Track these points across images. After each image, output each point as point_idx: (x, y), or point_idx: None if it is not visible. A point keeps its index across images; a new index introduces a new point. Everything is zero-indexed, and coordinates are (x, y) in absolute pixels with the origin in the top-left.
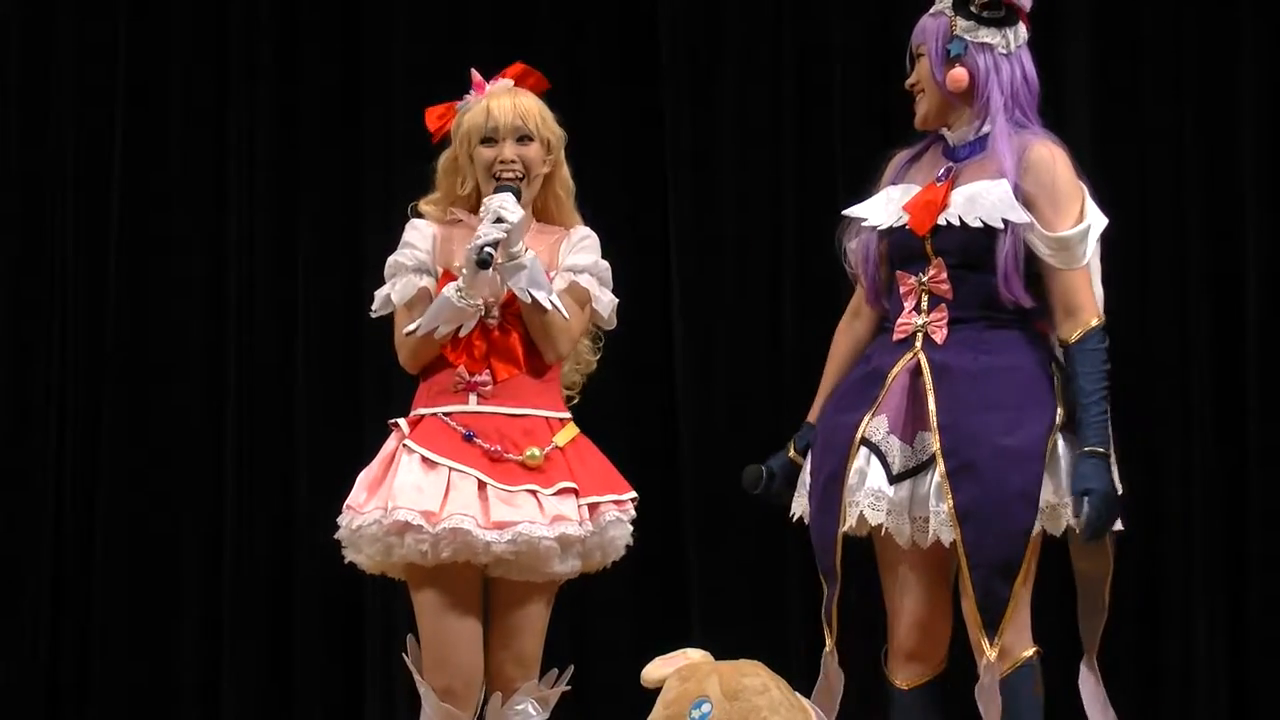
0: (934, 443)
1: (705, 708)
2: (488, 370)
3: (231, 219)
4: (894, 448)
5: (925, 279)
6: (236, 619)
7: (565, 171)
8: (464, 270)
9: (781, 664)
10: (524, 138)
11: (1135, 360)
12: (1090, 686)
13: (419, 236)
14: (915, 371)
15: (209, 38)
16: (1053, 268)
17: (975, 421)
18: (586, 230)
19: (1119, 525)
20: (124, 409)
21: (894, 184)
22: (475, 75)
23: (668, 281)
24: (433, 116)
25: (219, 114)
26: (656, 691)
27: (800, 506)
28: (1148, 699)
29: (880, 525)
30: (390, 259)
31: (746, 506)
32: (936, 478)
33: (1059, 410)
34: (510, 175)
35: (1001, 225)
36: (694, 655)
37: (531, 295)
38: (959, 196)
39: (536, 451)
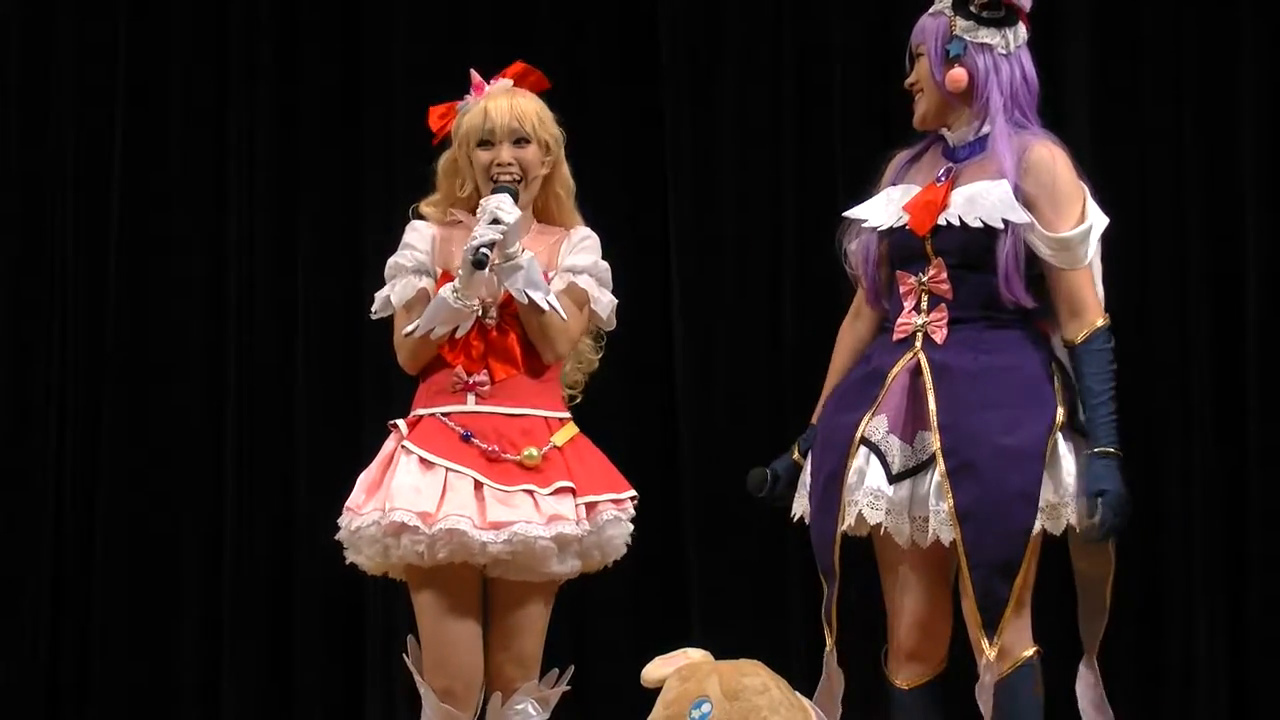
0: (934, 442)
1: (705, 708)
2: (485, 370)
3: (231, 219)
4: (894, 447)
5: (925, 279)
6: (236, 619)
7: (565, 171)
8: (460, 271)
9: (781, 664)
10: (521, 140)
11: (1135, 360)
12: (1088, 686)
13: (418, 238)
14: (915, 371)
15: (209, 38)
16: (1055, 268)
17: (975, 421)
18: (587, 231)
19: None
20: (124, 409)
21: (894, 184)
22: (475, 76)
23: (668, 281)
24: (435, 116)
25: (219, 114)
26: (656, 691)
27: (801, 507)
28: (1148, 699)
29: (879, 525)
30: (390, 260)
31: (747, 506)
32: (936, 477)
33: (1059, 410)
34: (508, 178)
35: (1001, 225)
36: (694, 655)
37: (528, 296)
38: (959, 197)
39: (534, 451)
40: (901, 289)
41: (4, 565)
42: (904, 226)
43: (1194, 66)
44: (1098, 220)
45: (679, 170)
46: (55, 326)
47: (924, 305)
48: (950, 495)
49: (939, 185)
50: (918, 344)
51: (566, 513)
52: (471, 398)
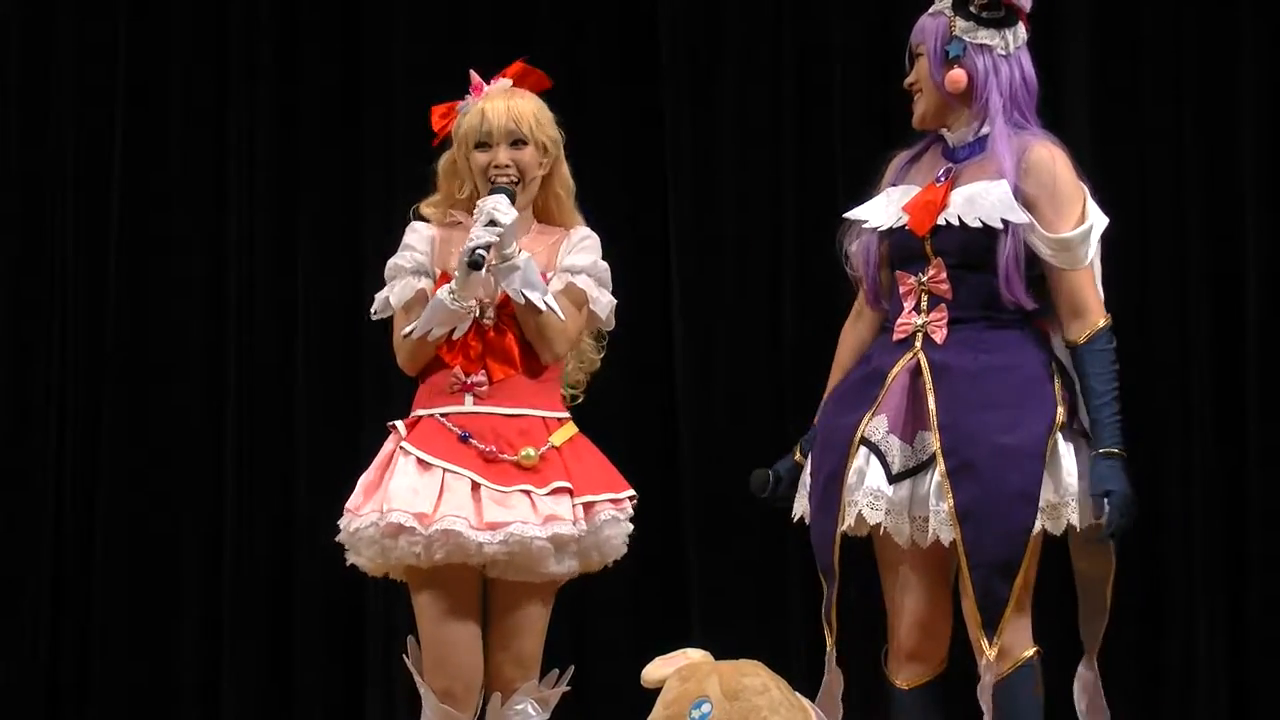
0: (934, 442)
1: (705, 708)
2: (483, 371)
3: (231, 219)
4: (894, 447)
5: (925, 279)
6: (236, 619)
7: (565, 171)
8: (456, 273)
9: (782, 664)
10: (518, 141)
11: (1135, 360)
12: (1087, 687)
13: (418, 239)
14: (915, 371)
15: (209, 38)
16: (1056, 269)
17: (974, 421)
18: (587, 231)
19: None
20: (124, 409)
21: (894, 185)
22: (474, 77)
23: (668, 281)
24: (436, 115)
25: (219, 114)
26: (656, 691)
27: (801, 507)
28: (1148, 699)
29: (879, 525)
30: (390, 262)
31: (747, 506)
32: (936, 477)
33: (1059, 409)
34: (505, 180)
35: (1001, 225)
36: (694, 655)
37: (525, 296)
38: (958, 197)
39: (531, 451)
40: (901, 289)
41: (4, 565)
42: (904, 227)
43: (1194, 66)
44: (1098, 220)
45: (679, 170)
46: (55, 326)
47: (924, 305)
48: (950, 495)
49: (938, 185)
50: (918, 344)
51: (563, 513)
52: (469, 398)
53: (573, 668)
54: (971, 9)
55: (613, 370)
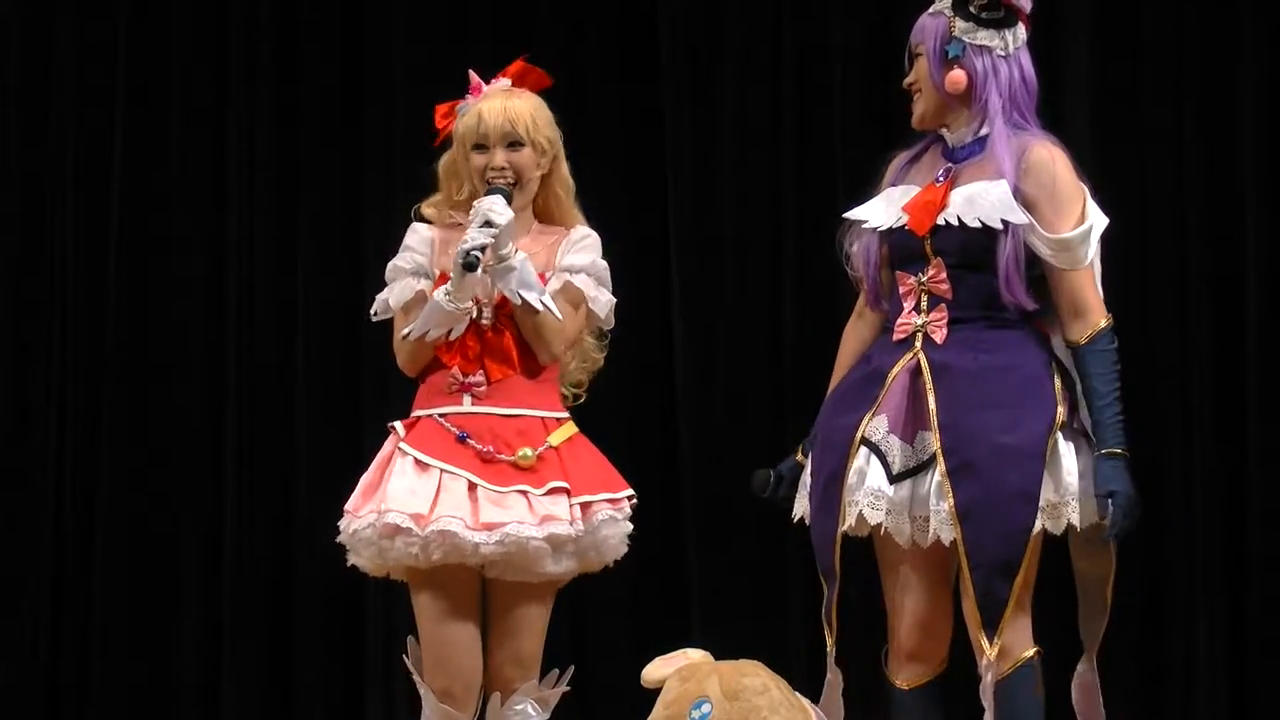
0: (934, 442)
1: (705, 708)
2: (481, 371)
3: (231, 219)
4: (894, 447)
5: (924, 279)
6: (236, 619)
7: (565, 171)
8: (452, 274)
9: (781, 664)
10: (515, 143)
11: (1135, 360)
12: (1085, 686)
13: (418, 240)
14: (915, 371)
15: (209, 38)
16: (1056, 269)
17: (974, 420)
18: (586, 230)
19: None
20: (124, 409)
21: (894, 185)
22: (473, 77)
23: (668, 281)
24: (439, 115)
25: (219, 114)
26: (656, 691)
27: (801, 507)
28: (1148, 699)
29: (879, 525)
30: (390, 263)
31: (747, 506)
32: (937, 477)
33: (1060, 409)
34: (502, 182)
35: (1000, 226)
36: (694, 655)
37: (521, 297)
38: (958, 197)
39: (529, 452)
40: (901, 289)
41: (4, 565)
42: (903, 227)
43: (1194, 66)
44: (1098, 220)
45: (679, 170)
46: (55, 326)
47: (924, 305)
48: (950, 495)
49: (938, 185)
50: (918, 344)
51: (560, 513)
52: (468, 398)
53: (573, 668)
54: (971, 9)
55: (613, 370)
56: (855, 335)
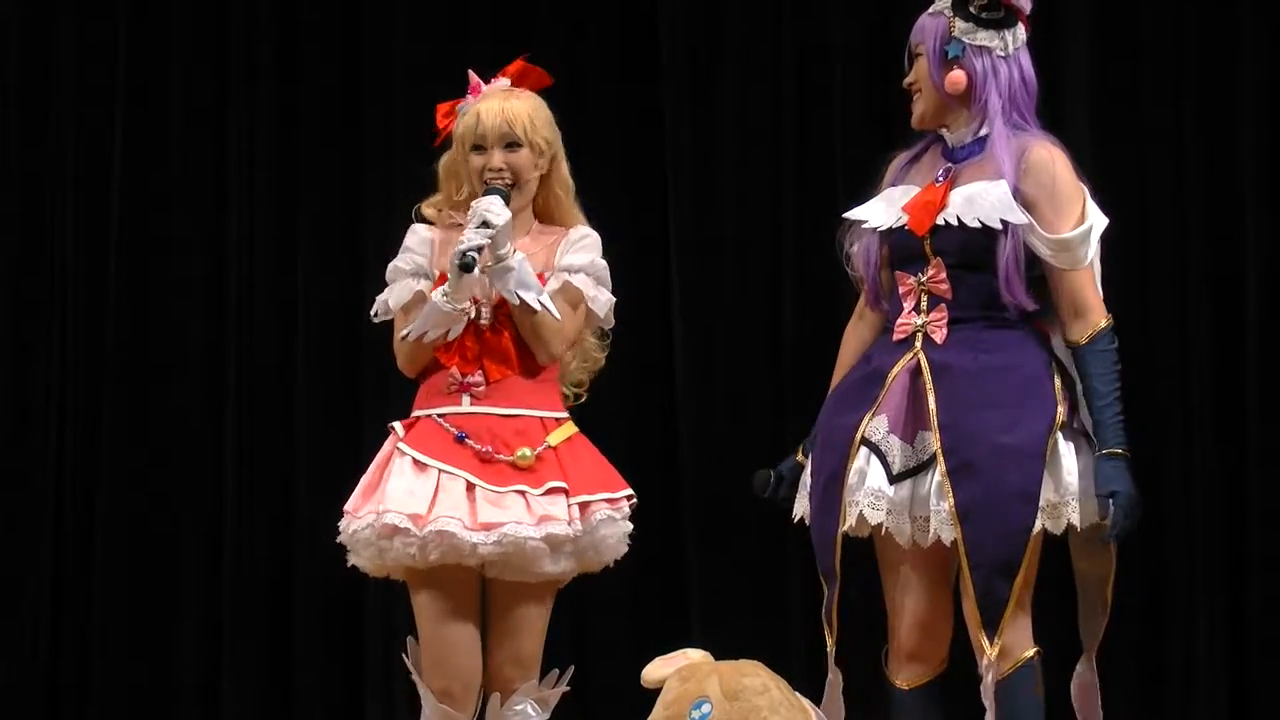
0: (934, 442)
1: (705, 708)
2: (480, 371)
3: (231, 219)
4: (894, 447)
5: (924, 279)
6: (236, 619)
7: (564, 170)
8: (449, 275)
9: (781, 664)
10: (512, 144)
11: (1136, 360)
12: (1084, 686)
13: (417, 241)
14: (915, 371)
15: (209, 38)
16: (1056, 269)
17: (974, 420)
18: (586, 230)
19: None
20: (124, 409)
21: (894, 185)
22: (472, 77)
23: (668, 281)
24: (440, 114)
25: (219, 114)
26: (656, 691)
27: (801, 508)
28: (1148, 699)
29: (880, 525)
30: (390, 265)
31: (747, 506)
32: (937, 477)
33: (1060, 409)
34: (500, 183)
35: (999, 226)
36: (694, 655)
37: (519, 297)
38: (957, 197)
39: (527, 452)
40: (901, 289)
41: (4, 565)
42: (903, 227)
43: (1194, 67)
44: (1098, 220)
45: (679, 170)
46: (55, 326)
47: (923, 305)
48: (950, 494)
49: (938, 185)
50: (917, 344)
51: (558, 513)
52: (467, 399)
53: (572, 668)
54: (971, 9)
55: (613, 370)
56: (856, 336)
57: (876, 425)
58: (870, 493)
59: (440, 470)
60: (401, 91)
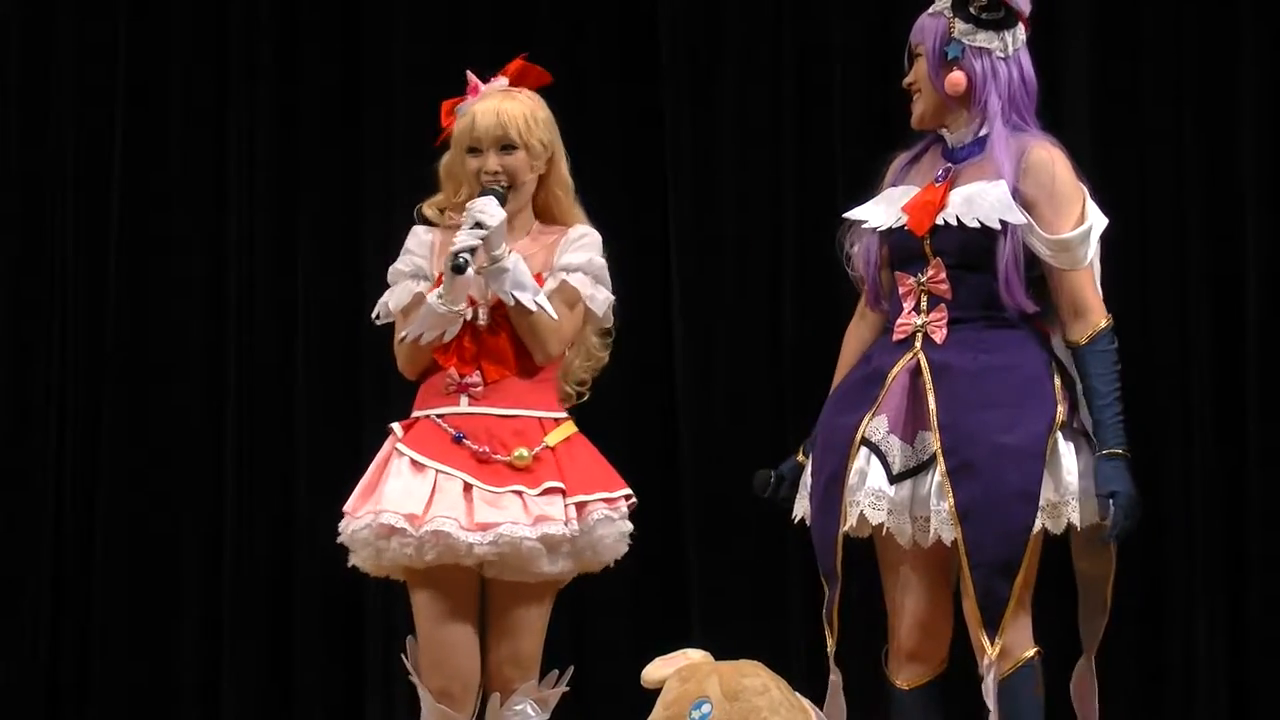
0: (934, 442)
1: (705, 708)
2: (478, 372)
3: (231, 219)
4: (894, 447)
5: (924, 279)
6: (236, 619)
7: (564, 171)
8: (443, 276)
9: (781, 664)
10: (507, 146)
11: (1135, 360)
12: (1084, 685)
13: (417, 243)
14: (915, 371)
15: (209, 38)
16: (1056, 269)
17: (974, 420)
18: (585, 229)
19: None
20: (124, 409)
21: (894, 186)
22: (471, 78)
23: (668, 281)
24: (445, 111)
25: (219, 114)
26: (656, 692)
27: (802, 508)
28: (1148, 699)
29: (881, 525)
30: (391, 267)
31: (747, 506)
32: (937, 477)
33: (1059, 408)
34: (496, 185)
35: (999, 226)
36: (694, 655)
37: (514, 297)
38: (957, 197)
39: (525, 452)
40: (901, 289)
41: (4, 565)
42: (903, 227)
43: (1194, 67)
44: (1097, 221)
45: (679, 170)
46: (55, 326)
47: (923, 305)
48: (951, 494)
49: (937, 186)
50: (917, 344)
51: (555, 513)
52: (465, 399)
53: (572, 668)
54: (971, 10)
55: (613, 370)
56: (856, 336)
57: (876, 425)
58: (871, 493)
59: (437, 471)
60: (401, 91)
